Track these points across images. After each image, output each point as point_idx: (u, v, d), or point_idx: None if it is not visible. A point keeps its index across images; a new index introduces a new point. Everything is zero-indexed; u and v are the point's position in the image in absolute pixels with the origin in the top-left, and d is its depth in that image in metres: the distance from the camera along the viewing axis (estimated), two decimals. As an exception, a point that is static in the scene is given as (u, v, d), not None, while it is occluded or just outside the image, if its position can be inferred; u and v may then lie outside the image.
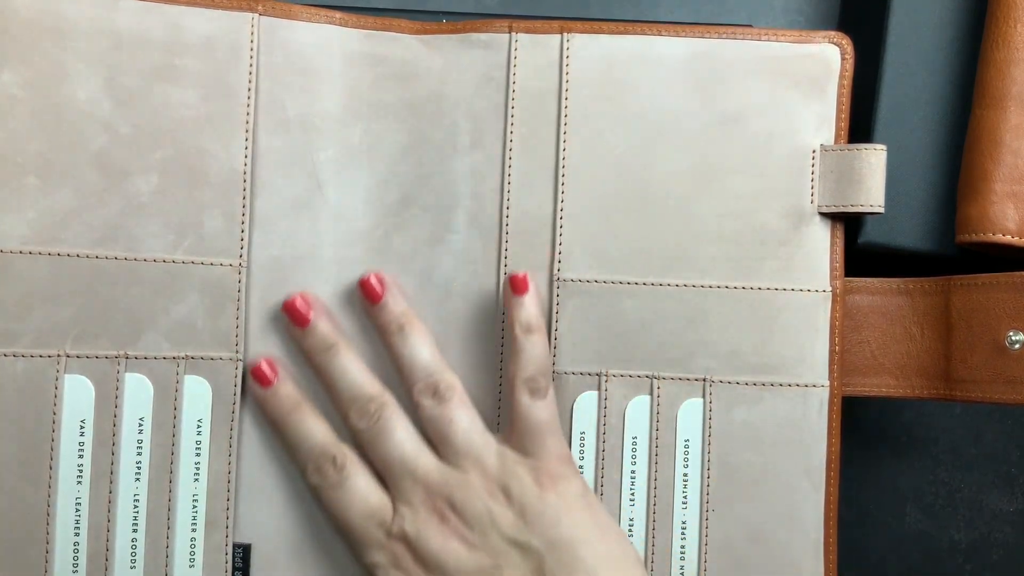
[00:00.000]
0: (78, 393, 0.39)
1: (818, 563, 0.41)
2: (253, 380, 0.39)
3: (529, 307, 0.40)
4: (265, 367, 0.39)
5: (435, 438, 0.39)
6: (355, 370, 0.39)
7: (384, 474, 0.39)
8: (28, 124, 0.39)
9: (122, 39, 0.39)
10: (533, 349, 0.39)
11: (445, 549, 0.37)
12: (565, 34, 0.41)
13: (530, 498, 0.38)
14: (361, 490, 0.38)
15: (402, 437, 0.39)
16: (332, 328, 0.40)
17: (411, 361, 0.39)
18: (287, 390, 0.39)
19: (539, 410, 0.39)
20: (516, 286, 0.40)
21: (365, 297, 0.40)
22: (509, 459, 0.39)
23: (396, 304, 0.40)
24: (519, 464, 0.38)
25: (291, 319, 0.40)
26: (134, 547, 0.39)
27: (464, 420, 0.39)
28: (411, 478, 0.38)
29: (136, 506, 0.39)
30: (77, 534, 0.39)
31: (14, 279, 0.39)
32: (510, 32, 0.41)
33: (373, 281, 0.40)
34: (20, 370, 0.38)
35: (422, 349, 0.39)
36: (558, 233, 0.41)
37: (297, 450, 0.39)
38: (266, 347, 0.40)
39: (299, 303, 0.39)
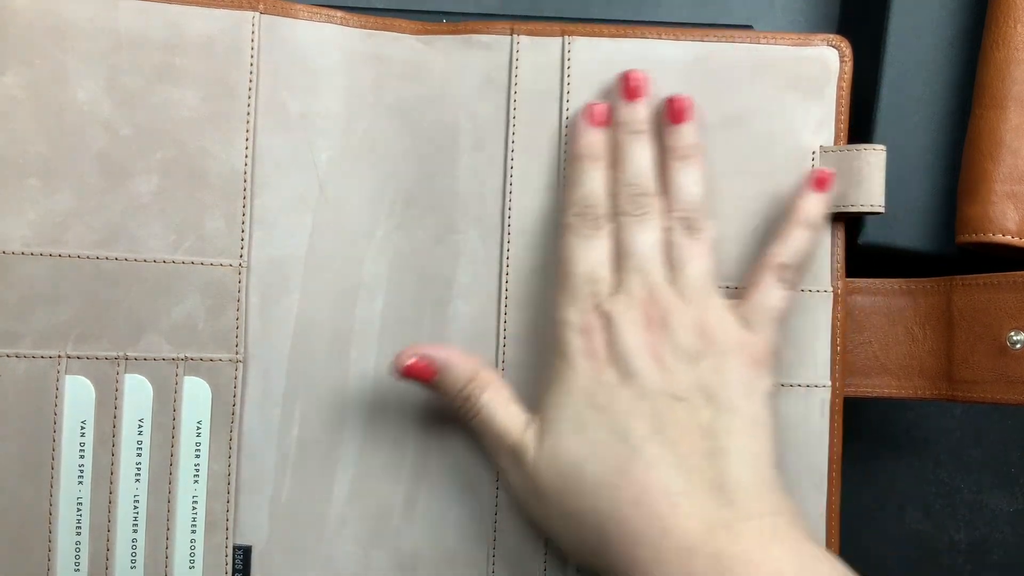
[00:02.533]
0: (79, 394, 0.39)
1: (819, 564, 0.41)
2: (584, 112, 0.40)
3: (821, 206, 0.40)
4: (601, 110, 0.40)
5: (670, 265, 0.39)
6: (647, 161, 0.40)
7: (621, 260, 0.39)
8: (29, 125, 0.39)
9: (122, 39, 0.39)
10: (801, 242, 0.39)
11: (639, 352, 0.37)
12: (566, 36, 0.41)
13: (734, 364, 0.37)
14: (600, 254, 0.39)
15: (654, 239, 0.39)
16: (648, 115, 0.40)
17: (681, 189, 0.39)
18: (601, 139, 0.40)
19: (778, 297, 0.38)
20: (819, 182, 0.40)
21: (668, 115, 0.40)
22: (728, 322, 0.38)
23: (691, 134, 0.40)
24: (737, 331, 0.38)
25: (623, 87, 0.40)
26: (134, 548, 0.39)
27: (703, 264, 0.38)
28: (642, 276, 0.38)
29: (136, 507, 0.39)
30: (79, 534, 0.39)
31: (15, 280, 0.39)
32: (512, 34, 0.42)
33: (683, 104, 0.40)
34: (21, 371, 0.38)
35: (696, 184, 0.39)
36: (559, 234, 0.41)
37: (574, 189, 0.40)
38: (267, 348, 0.40)
39: (641, 77, 0.40)
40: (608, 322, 0.37)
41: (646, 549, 0.34)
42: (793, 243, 0.39)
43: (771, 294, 0.38)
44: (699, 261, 0.38)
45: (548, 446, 0.37)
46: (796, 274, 0.39)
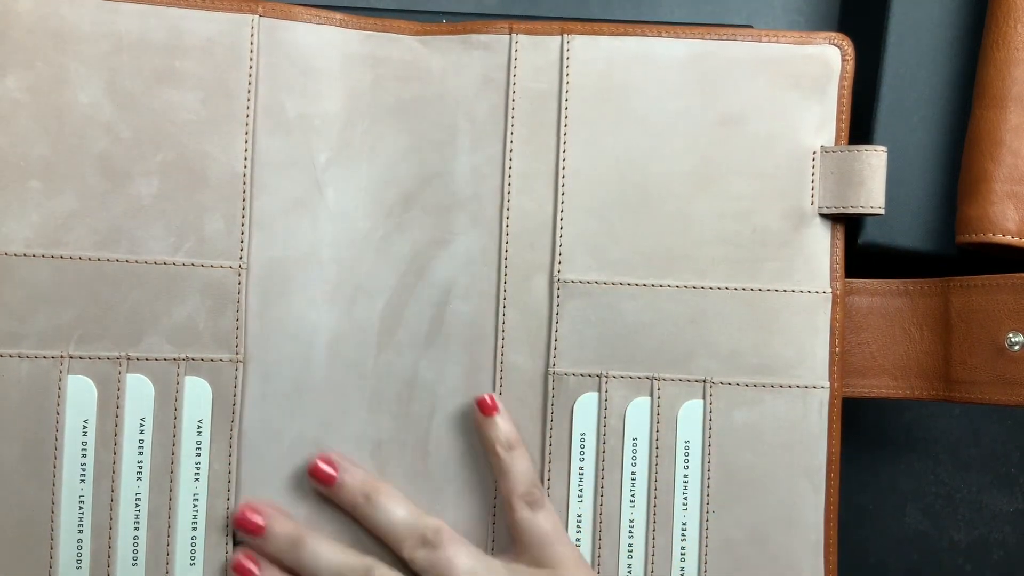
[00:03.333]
0: (81, 394, 0.39)
1: (818, 564, 0.41)
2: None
3: (503, 425, 0.40)
4: (244, 561, 0.39)
5: None
6: (329, 552, 0.39)
7: None
8: (31, 128, 0.39)
9: (123, 42, 0.40)
10: (519, 464, 0.40)
11: None
12: (565, 36, 0.41)
13: None
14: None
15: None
16: (289, 523, 0.39)
17: (389, 524, 0.39)
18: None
19: (542, 521, 0.39)
20: (484, 409, 0.40)
21: (320, 483, 0.40)
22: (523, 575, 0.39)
23: (353, 477, 0.40)
24: None
25: (245, 532, 0.39)
26: (136, 546, 0.39)
27: (463, 555, 0.38)
28: None
29: (138, 505, 0.39)
30: (80, 531, 0.39)
31: (18, 282, 0.39)
32: (510, 33, 0.42)
33: (322, 466, 0.39)
34: (24, 371, 0.39)
35: (395, 509, 0.39)
36: (558, 234, 0.41)
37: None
38: (267, 349, 0.40)
39: (248, 514, 0.39)
40: None
41: None
42: (515, 470, 0.40)
43: (536, 524, 0.39)
44: (459, 561, 0.38)
45: None
46: (539, 490, 0.40)
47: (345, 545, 0.39)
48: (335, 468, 0.39)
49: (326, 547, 0.39)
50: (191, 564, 0.40)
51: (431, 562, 0.38)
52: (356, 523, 0.40)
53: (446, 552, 0.38)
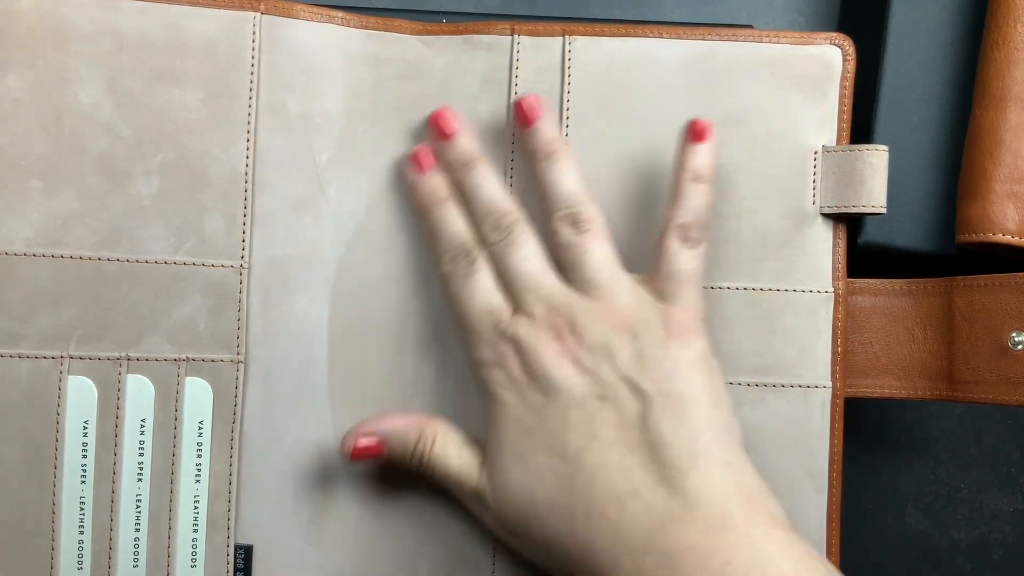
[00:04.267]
0: (81, 394, 0.39)
1: (819, 563, 0.41)
2: (410, 164, 0.40)
3: (705, 156, 0.39)
4: (424, 153, 0.40)
5: (568, 266, 0.38)
6: (492, 185, 0.39)
7: (510, 287, 0.38)
8: (32, 127, 0.39)
9: (124, 41, 0.39)
10: (696, 198, 0.38)
11: (555, 365, 0.37)
12: (567, 37, 0.41)
13: (653, 342, 0.37)
14: (486, 286, 0.38)
15: (531, 252, 0.38)
16: (473, 144, 0.40)
17: (555, 188, 0.39)
18: (439, 181, 0.40)
19: (686, 258, 0.38)
20: (697, 132, 0.39)
21: (518, 119, 0.40)
22: (643, 299, 0.38)
23: (548, 129, 0.39)
24: (652, 307, 0.37)
25: (435, 130, 0.40)
26: (136, 547, 0.39)
27: (600, 252, 0.38)
28: (534, 293, 0.38)
29: (138, 506, 0.39)
30: (81, 533, 0.39)
31: (18, 281, 0.39)
32: (512, 34, 0.42)
33: (530, 102, 0.39)
34: (24, 371, 0.39)
35: (568, 178, 0.39)
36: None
37: (437, 238, 0.39)
38: (268, 349, 0.40)
39: (447, 114, 0.40)
40: (518, 347, 0.37)
41: (603, 556, 0.34)
42: (688, 201, 0.38)
43: (678, 258, 0.38)
44: (594, 254, 0.38)
45: (498, 484, 0.37)
46: (700, 231, 0.38)
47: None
48: (536, 114, 0.39)
49: (493, 180, 0.39)
50: (192, 566, 0.39)
51: (571, 241, 0.38)
52: (368, 518, 0.40)
53: (588, 240, 0.38)
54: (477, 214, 0.39)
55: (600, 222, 0.39)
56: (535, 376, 0.37)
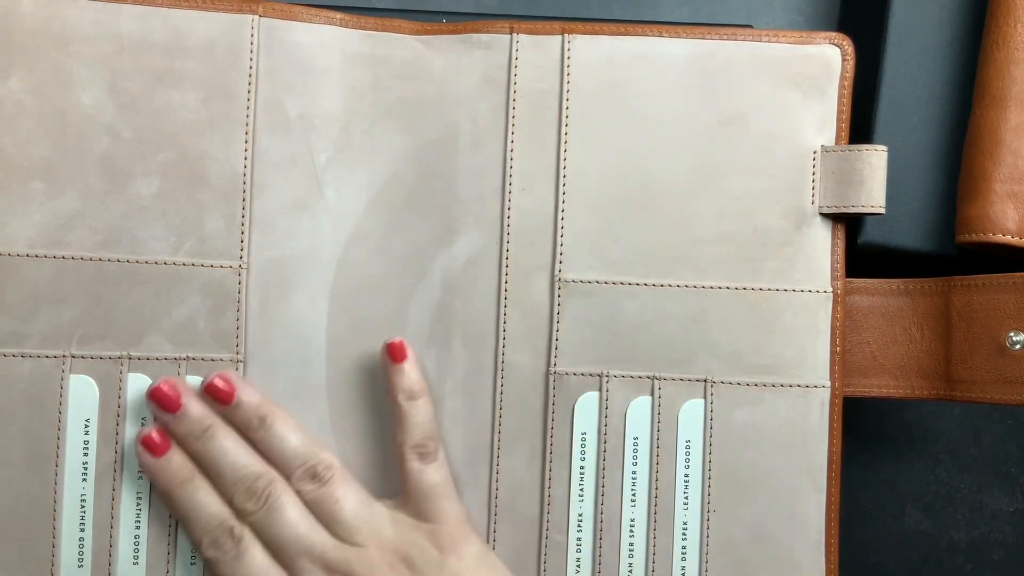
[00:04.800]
0: (83, 393, 0.39)
1: (819, 563, 0.41)
2: (143, 450, 0.38)
3: (410, 374, 0.40)
4: (155, 435, 0.38)
5: (325, 520, 0.38)
6: (235, 449, 0.38)
7: (279, 555, 0.38)
8: (34, 129, 0.39)
9: (124, 43, 0.40)
10: (418, 415, 0.39)
11: None
12: (566, 35, 0.41)
13: (431, 564, 0.38)
14: (260, 563, 0.37)
15: (293, 515, 0.38)
16: (204, 410, 0.39)
17: (282, 451, 0.38)
18: (179, 460, 0.38)
19: (431, 474, 0.39)
20: (394, 354, 0.40)
21: (215, 400, 0.39)
22: (406, 526, 0.39)
23: (250, 398, 0.39)
24: (417, 530, 0.39)
25: (160, 405, 0.38)
26: (136, 544, 0.39)
27: (350, 496, 0.38)
28: (308, 557, 0.37)
29: (139, 504, 0.39)
30: (82, 530, 0.39)
31: (20, 281, 0.39)
32: (511, 33, 0.42)
33: (219, 383, 0.39)
34: (27, 370, 0.39)
35: (290, 436, 0.39)
36: (559, 234, 0.41)
37: (191, 523, 0.38)
38: (267, 349, 0.40)
39: (166, 388, 0.38)
40: None
41: None
42: (412, 420, 0.39)
43: (423, 476, 0.39)
44: (345, 501, 0.38)
45: None
46: (435, 444, 0.39)
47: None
48: (232, 386, 0.39)
49: (233, 444, 0.38)
50: (192, 563, 0.40)
51: (317, 497, 0.38)
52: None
53: (334, 490, 0.38)
54: (227, 484, 0.38)
55: (336, 466, 0.39)
56: None
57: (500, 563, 0.39)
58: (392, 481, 0.41)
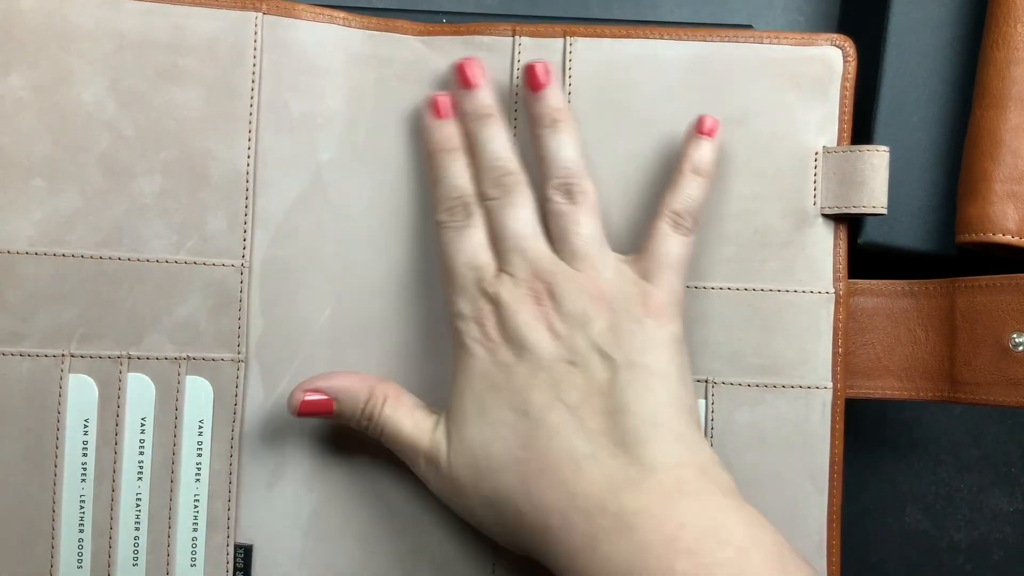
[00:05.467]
0: (82, 392, 0.39)
1: (821, 564, 0.41)
2: (428, 108, 0.40)
3: (708, 151, 0.39)
4: (444, 99, 0.40)
5: (557, 234, 0.39)
6: (501, 142, 0.39)
7: (498, 244, 0.39)
8: (35, 127, 0.39)
9: (126, 41, 0.40)
10: (694, 189, 0.39)
11: (530, 327, 0.37)
12: (568, 37, 0.42)
13: (629, 317, 0.37)
14: (476, 241, 0.39)
15: (525, 215, 0.38)
16: (492, 99, 0.40)
17: (555, 156, 0.39)
18: (452, 130, 0.40)
19: (675, 243, 0.38)
20: (705, 128, 0.39)
21: (527, 83, 0.40)
22: (625, 276, 0.38)
23: (555, 97, 0.40)
24: (633, 284, 0.38)
25: (459, 78, 0.40)
26: (136, 545, 0.39)
27: (590, 226, 0.38)
28: (521, 255, 0.38)
29: (138, 505, 0.39)
30: (81, 531, 0.39)
31: (20, 280, 0.39)
32: (513, 35, 0.42)
33: (543, 67, 0.40)
34: (26, 370, 0.39)
35: (569, 147, 0.39)
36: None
37: (439, 186, 0.40)
38: (268, 348, 0.40)
39: (474, 65, 0.40)
40: (497, 305, 0.37)
41: (555, 516, 0.35)
42: (684, 190, 0.39)
43: (666, 241, 0.38)
44: (583, 226, 0.38)
45: (456, 438, 0.37)
46: (692, 221, 0.39)
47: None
48: (549, 79, 0.40)
49: (504, 138, 0.40)
50: (192, 565, 0.39)
51: (562, 210, 0.38)
52: (369, 511, 0.40)
53: (579, 212, 0.38)
54: (481, 167, 0.39)
55: (593, 197, 0.39)
56: (509, 335, 0.37)
57: (688, 358, 0.38)
58: (398, 483, 0.40)
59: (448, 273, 0.39)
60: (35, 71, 0.39)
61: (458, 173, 0.40)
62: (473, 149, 0.40)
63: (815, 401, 0.41)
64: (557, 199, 0.39)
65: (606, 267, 0.38)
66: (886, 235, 0.42)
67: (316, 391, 0.38)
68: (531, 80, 0.40)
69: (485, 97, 0.40)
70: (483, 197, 0.39)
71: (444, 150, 0.40)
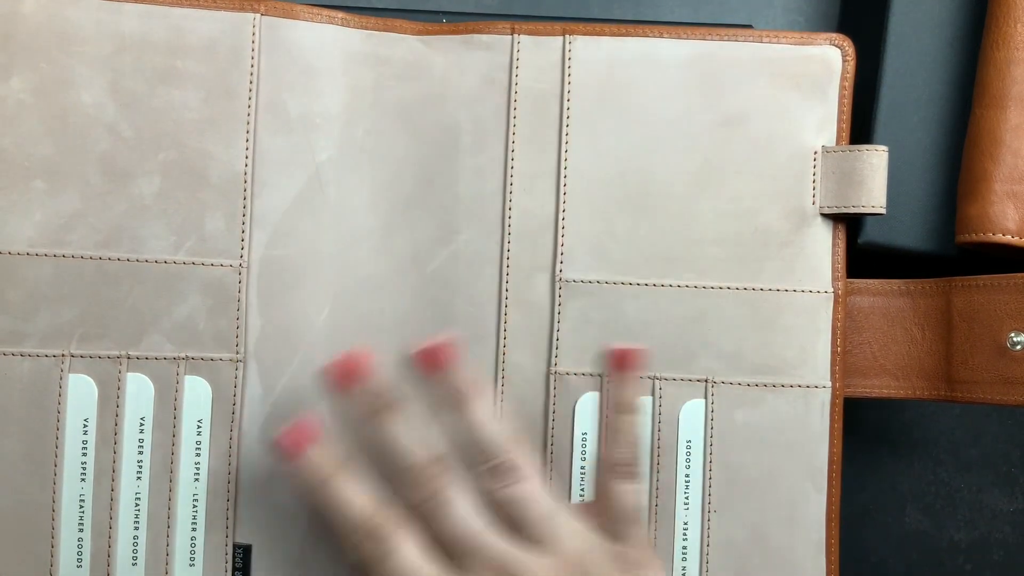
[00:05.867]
0: (82, 392, 0.39)
1: (820, 563, 0.41)
2: (285, 445, 0.35)
3: (631, 388, 0.38)
4: (289, 437, 0.35)
5: (510, 522, 0.36)
6: (408, 432, 0.36)
7: (447, 548, 0.35)
8: (35, 128, 0.39)
9: (126, 43, 0.40)
10: (630, 432, 0.38)
11: None
12: (567, 36, 0.42)
13: None
14: (412, 559, 0.34)
15: (467, 510, 0.35)
16: (386, 385, 0.36)
17: (474, 440, 0.36)
18: (320, 455, 0.36)
19: (629, 495, 0.37)
20: (624, 361, 0.38)
21: (430, 364, 0.36)
22: (592, 542, 0.36)
23: (455, 378, 0.36)
24: (602, 549, 0.36)
25: (346, 375, 0.36)
26: (135, 545, 0.39)
27: (539, 501, 0.36)
28: (479, 556, 0.34)
29: (137, 504, 0.39)
30: (81, 531, 0.39)
31: (21, 281, 0.39)
32: (512, 34, 0.42)
33: (445, 349, 0.36)
34: (26, 370, 0.39)
35: (483, 426, 0.36)
36: (560, 234, 0.41)
37: (343, 511, 0.35)
38: (267, 348, 0.40)
39: (358, 357, 0.36)
40: None
41: None
42: (622, 436, 0.38)
43: (621, 497, 0.37)
44: (533, 503, 0.36)
45: None
46: (637, 463, 0.38)
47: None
48: (455, 355, 0.36)
49: (408, 425, 0.35)
50: (191, 565, 0.40)
51: (504, 497, 0.36)
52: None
53: (522, 491, 0.35)
54: (398, 468, 0.35)
55: (528, 462, 0.36)
56: None
57: None
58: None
59: None
60: (36, 73, 0.39)
61: (355, 493, 0.35)
62: (378, 449, 0.35)
63: (814, 400, 0.41)
64: (494, 486, 0.36)
65: (570, 537, 0.36)
66: (886, 235, 0.42)
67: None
68: (426, 364, 0.36)
69: (379, 386, 0.36)
70: (408, 502, 0.35)
71: (331, 474, 0.35)
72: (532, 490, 0.36)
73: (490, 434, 0.36)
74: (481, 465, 0.36)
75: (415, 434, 0.36)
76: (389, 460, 0.36)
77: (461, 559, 0.35)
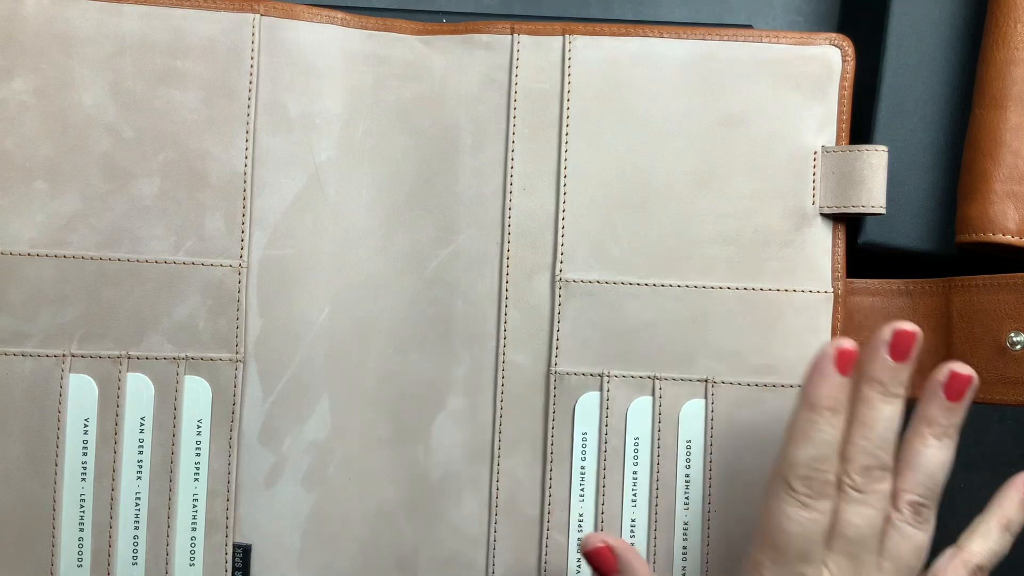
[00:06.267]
0: (82, 392, 0.39)
1: (820, 564, 0.41)
2: (826, 357, 0.35)
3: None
4: (850, 352, 0.35)
5: (887, 545, 0.36)
6: (893, 432, 0.35)
7: (833, 538, 0.35)
8: (37, 130, 0.39)
9: (126, 44, 0.40)
10: (1001, 548, 0.37)
11: None
12: (567, 36, 0.42)
13: None
14: (817, 527, 0.35)
15: (872, 522, 0.35)
16: (907, 374, 0.35)
17: (924, 464, 0.36)
18: (844, 390, 0.35)
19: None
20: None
21: (946, 388, 0.35)
22: None
23: (959, 414, 0.36)
24: None
25: (892, 346, 0.35)
26: (135, 545, 0.39)
27: (919, 554, 0.36)
28: (851, 564, 0.35)
29: (138, 504, 0.39)
30: (81, 530, 0.39)
31: (22, 281, 0.39)
32: (512, 33, 0.42)
33: (967, 382, 0.36)
34: (27, 370, 0.39)
35: (944, 470, 0.36)
36: (560, 234, 0.41)
37: (802, 445, 0.35)
38: (266, 348, 0.40)
39: (914, 339, 0.35)
40: None
41: None
42: (993, 546, 0.37)
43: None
44: (915, 552, 0.36)
45: None
46: (986, 574, 0.37)
47: None
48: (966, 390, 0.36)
49: (895, 419, 0.35)
50: (191, 564, 0.40)
51: (902, 530, 0.36)
52: (368, 511, 0.40)
53: (918, 539, 0.36)
54: (859, 447, 0.35)
55: (933, 525, 0.36)
56: None
57: None
58: (395, 483, 0.41)
59: (772, 536, 0.35)
60: (37, 75, 0.39)
61: (830, 441, 0.35)
62: (860, 421, 0.35)
63: (815, 401, 0.41)
64: (905, 512, 0.36)
65: None
66: (886, 235, 0.42)
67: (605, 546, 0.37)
68: (951, 386, 0.36)
69: (904, 374, 0.35)
70: (844, 478, 0.35)
71: (829, 409, 0.35)
72: (926, 543, 0.36)
73: (941, 475, 0.36)
74: (912, 493, 0.36)
75: (895, 432, 0.35)
76: (862, 436, 0.35)
77: (835, 554, 0.35)
